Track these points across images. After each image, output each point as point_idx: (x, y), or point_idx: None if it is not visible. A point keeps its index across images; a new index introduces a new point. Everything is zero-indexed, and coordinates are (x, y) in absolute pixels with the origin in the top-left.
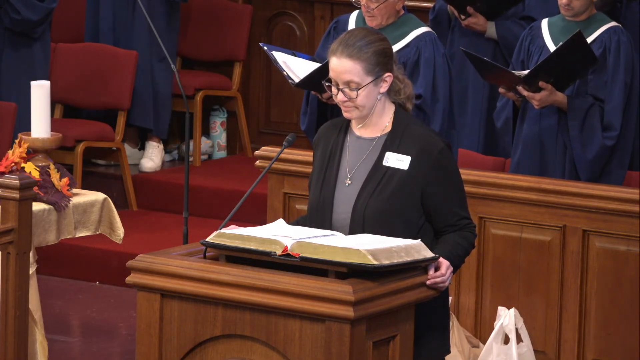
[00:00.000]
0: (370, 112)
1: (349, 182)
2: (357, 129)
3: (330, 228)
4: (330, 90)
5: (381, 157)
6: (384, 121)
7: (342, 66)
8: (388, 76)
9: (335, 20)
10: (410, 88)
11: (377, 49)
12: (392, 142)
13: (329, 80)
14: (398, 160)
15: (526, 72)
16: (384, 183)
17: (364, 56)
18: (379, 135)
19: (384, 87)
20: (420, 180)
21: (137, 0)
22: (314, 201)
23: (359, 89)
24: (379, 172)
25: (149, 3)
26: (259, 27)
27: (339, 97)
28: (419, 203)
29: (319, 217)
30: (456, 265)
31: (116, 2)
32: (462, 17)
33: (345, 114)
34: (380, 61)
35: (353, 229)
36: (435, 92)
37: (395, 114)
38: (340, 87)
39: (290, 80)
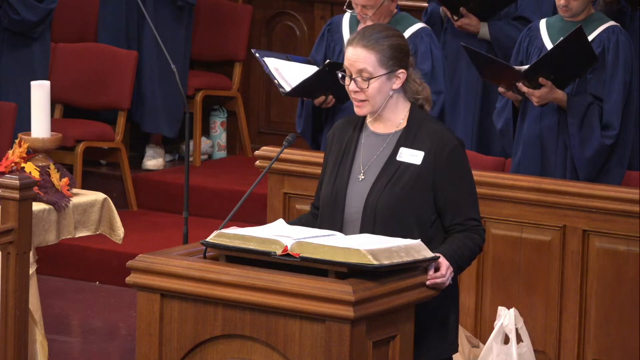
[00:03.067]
0: (380, 106)
1: (362, 176)
2: (371, 125)
3: (342, 222)
4: (344, 81)
5: (395, 152)
6: (398, 117)
7: (356, 55)
8: (402, 73)
9: (329, 22)
10: (428, 91)
11: (394, 43)
12: (406, 137)
13: (343, 71)
14: (411, 156)
15: (526, 67)
16: (397, 178)
17: (379, 47)
18: (394, 131)
19: (397, 84)
20: (431, 176)
21: (141, 4)
22: (327, 195)
23: (370, 79)
24: (391, 167)
25: (156, 6)
26: (259, 27)
27: (351, 87)
28: (431, 199)
29: (331, 211)
30: (460, 266)
31: (127, 4)
32: (455, 18)
33: (357, 110)
34: (395, 56)
35: (365, 223)
36: (435, 84)
37: (411, 111)
38: (354, 76)
39: (280, 89)
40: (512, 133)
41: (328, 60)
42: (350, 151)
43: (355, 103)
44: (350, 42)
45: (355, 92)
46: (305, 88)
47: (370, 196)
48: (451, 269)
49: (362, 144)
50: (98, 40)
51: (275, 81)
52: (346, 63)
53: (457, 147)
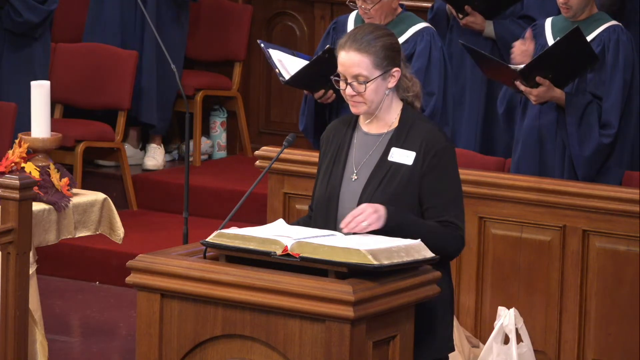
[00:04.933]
0: (378, 107)
1: (355, 177)
2: (364, 125)
3: (335, 222)
4: (339, 85)
5: (387, 152)
6: (391, 117)
7: (350, 59)
8: (396, 71)
9: (334, 21)
10: (418, 87)
11: (385, 43)
12: (398, 137)
13: (337, 75)
14: (403, 156)
15: (522, 66)
16: (388, 178)
17: (372, 50)
18: (386, 131)
19: (392, 82)
20: (419, 174)
21: (140, 3)
22: (321, 196)
23: (367, 82)
24: (383, 168)
25: (157, 3)
26: (259, 27)
27: (347, 91)
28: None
29: (325, 212)
30: (409, 232)
31: (123, 2)
32: (460, 16)
33: (353, 110)
34: (389, 55)
35: None
36: (428, 84)
37: (403, 110)
38: (349, 81)
39: (280, 78)
40: (513, 119)
41: (328, 46)
42: (343, 151)
43: (351, 103)
44: (342, 46)
45: (352, 95)
46: (305, 77)
47: (362, 197)
48: (376, 213)
49: (354, 144)
50: (83, 38)
51: (277, 70)
52: (340, 68)
53: (446, 148)
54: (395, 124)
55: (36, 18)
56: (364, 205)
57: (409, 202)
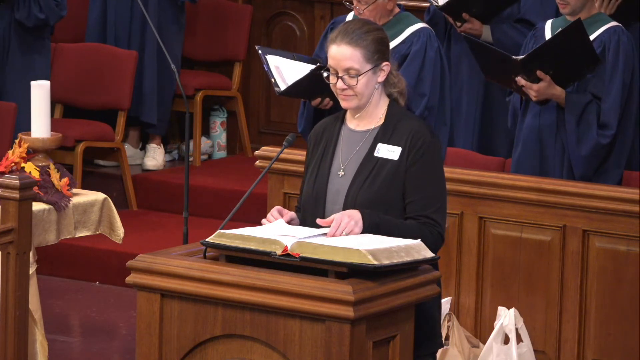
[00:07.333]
0: (368, 101)
1: (342, 173)
2: (351, 122)
3: (323, 218)
4: (329, 80)
5: (373, 148)
6: (378, 113)
7: (341, 53)
8: (386, 65)
9: (332, 22)
10: (403, 83)
11: (376, 37)
12: (384, 133)
13: (328, 70)
14: (389, 151)
15: (524, 56)
16: (375, 174)
17: (363, 43)
18: (373, 127)
19: (382, 76)
20: (404, 168)
21: (139, 2)
22: (308, 192)
23: (358, 76)
24: (370, 163)
25: (159, 4)
26: (259, 27)
27: (339, 85)
28: None
29: (313, 209)
30: (387, 231)
31: (122, 2)
32: (458, 24)
33: (344, 104)
34: (379, 49)
35: None
36: (421, 85)
37: (389, 106)
38: (340, 74)
39: (276, 88)
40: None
41: (319, 64)
42: (330, 148)
43: (341, 97)
44: (333, 40)
45: (343, 89)
46: (299, 89)
47: (349, 193)
48: (347, 219)
49: (341, 141)
50: (86, 38)
51: (272, 80)
52: (331, 62)
53: (432, 143)
54: (382, 119)
55: (52, 20)
56: (337, 217)
57: (395, 197)
